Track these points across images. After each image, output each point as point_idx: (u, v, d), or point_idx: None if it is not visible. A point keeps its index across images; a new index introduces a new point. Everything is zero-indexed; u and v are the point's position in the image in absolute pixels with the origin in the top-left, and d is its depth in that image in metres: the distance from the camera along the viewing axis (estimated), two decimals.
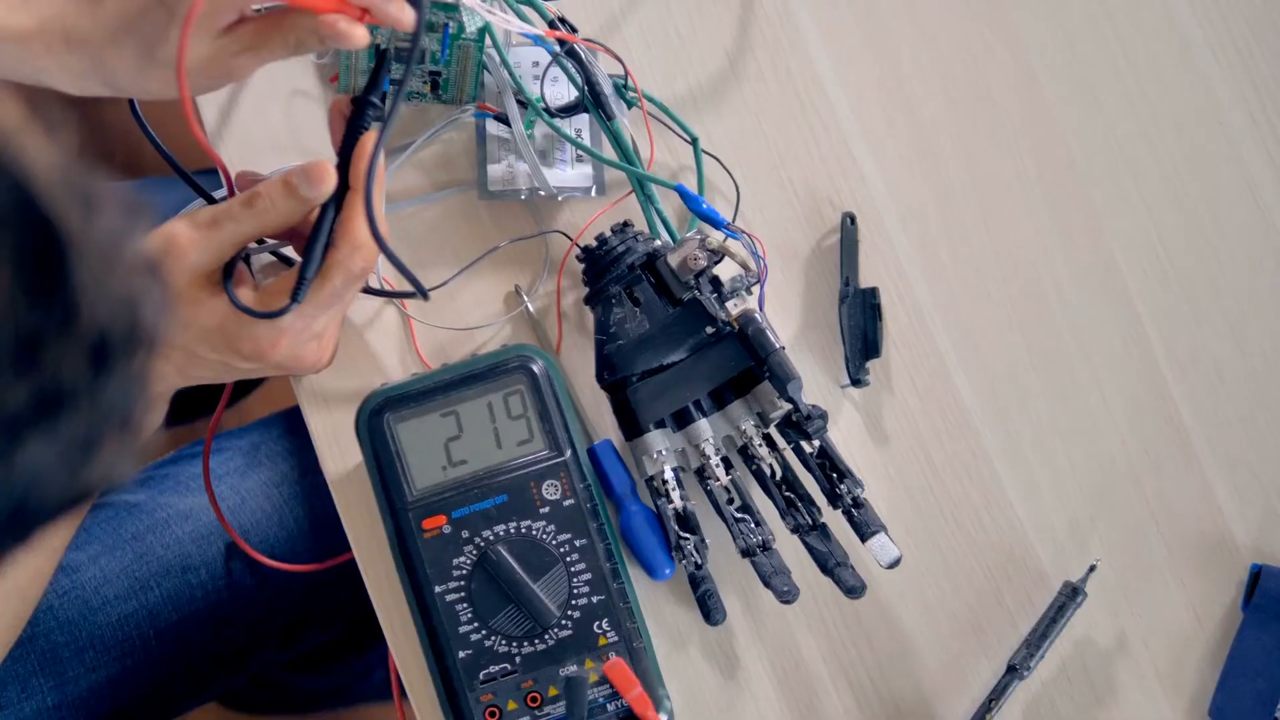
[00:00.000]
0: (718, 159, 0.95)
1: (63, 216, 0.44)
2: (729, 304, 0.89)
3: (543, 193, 0.92)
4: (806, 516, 0.89)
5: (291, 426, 1.18)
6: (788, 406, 0.87)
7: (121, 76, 0.79)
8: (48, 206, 0.43)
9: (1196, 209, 0.97)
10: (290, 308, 0.79)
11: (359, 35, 0.77)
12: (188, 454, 1.17)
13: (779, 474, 0.90)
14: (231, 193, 0.85)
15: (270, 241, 0.88)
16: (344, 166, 0.81)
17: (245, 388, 1.48)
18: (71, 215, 0.44)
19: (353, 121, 0.82)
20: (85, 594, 1.05)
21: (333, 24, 0.77)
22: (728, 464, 0.89)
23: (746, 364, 0.88)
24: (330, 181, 0.79)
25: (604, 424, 0.93)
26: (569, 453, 0.87)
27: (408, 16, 0.78)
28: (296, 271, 0.80)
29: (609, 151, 0.92)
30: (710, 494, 0.89)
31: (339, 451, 0.92)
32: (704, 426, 0.89)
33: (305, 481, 1.13)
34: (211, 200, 0.89)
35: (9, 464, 0.44)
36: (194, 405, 0.93)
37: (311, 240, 0.80)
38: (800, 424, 0.87)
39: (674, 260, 0.87)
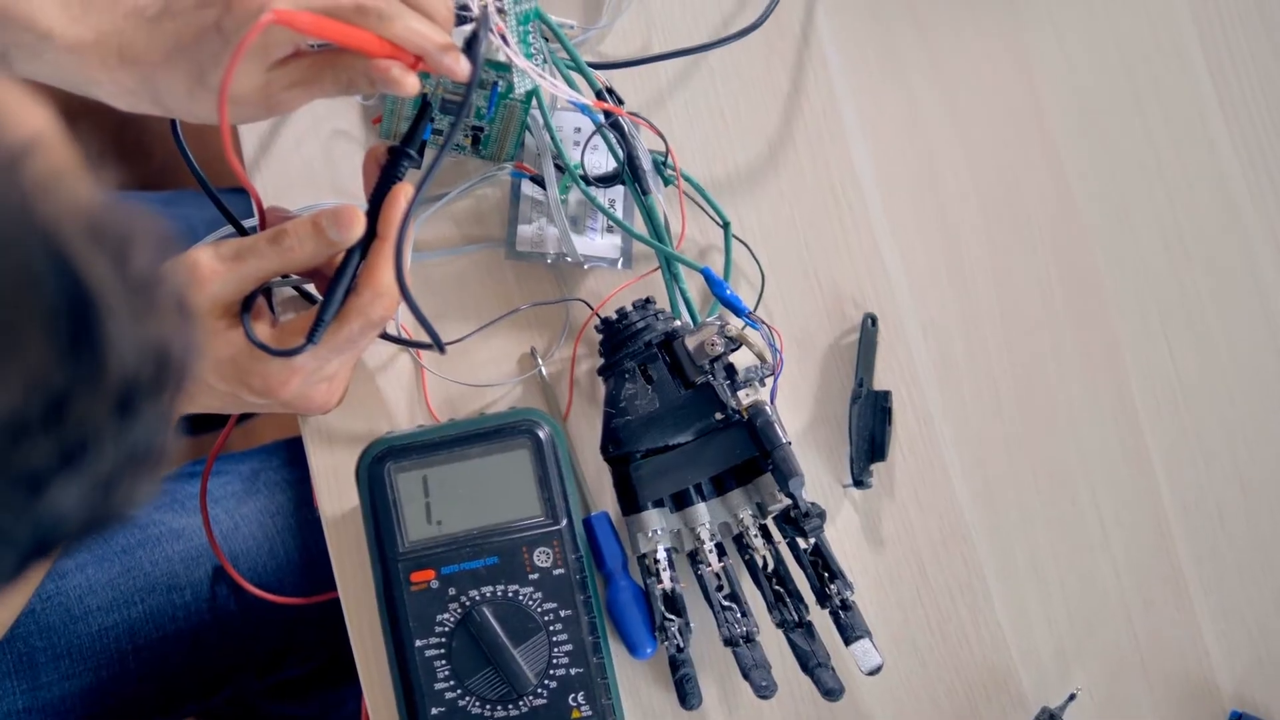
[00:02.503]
0: (747, 245, 0.95)
1: (95, 275, 0.44)
2: (741, 393, 0.89)
3: (570, 259, 0.92)
4: (793, 613, 0.89)
5: (293, 457, 1.18)
6: (787, 501, 0.87)
7: (171, 98, 0.79)
8: (80, 267, 0.43)
9: (1218, 351, 0.97)
10: (304, 348, 0.79)
11: (410, 83, 0.78)
12: (188, 472, 1.17)
13: (771, 566, 0.90)
14: (263, 224, 0.85)
15: (293, 277, 0.88)
16: (373, 214, 0.81)
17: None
18: (104, 271, 0.44)
19: (387, 170, 0.82)
20: (68, 601, 1.05)
21: (386, 69, 0.77)
22: (721, 551, 0.89)
23: (751, 454, 0.88)
24: (359, 227, 0.79)
25: (603, 496, 0.92)
26: (565, 522, 0.87)
27: (462, 69, 0.78)
28: (315, 312, 0.80)
29: (640, 225, 0.92)
30: (700, 579, 0.89)
31: (337, 491, 0.92)
32: (702, 511, 0.89)
33: (300, 515, 1.13)
34: (242, 230, 0.90)
35: (34, 510, 0.45)
36: (203, 419, 0.93)
37: (333, 283, 0.80)
38: (798, 520, 0.87)
39: (691, 343, 0.88)
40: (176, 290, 0.49)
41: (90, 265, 0.44)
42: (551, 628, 0.86)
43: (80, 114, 0.75)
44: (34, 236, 0.42)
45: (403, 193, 0.81)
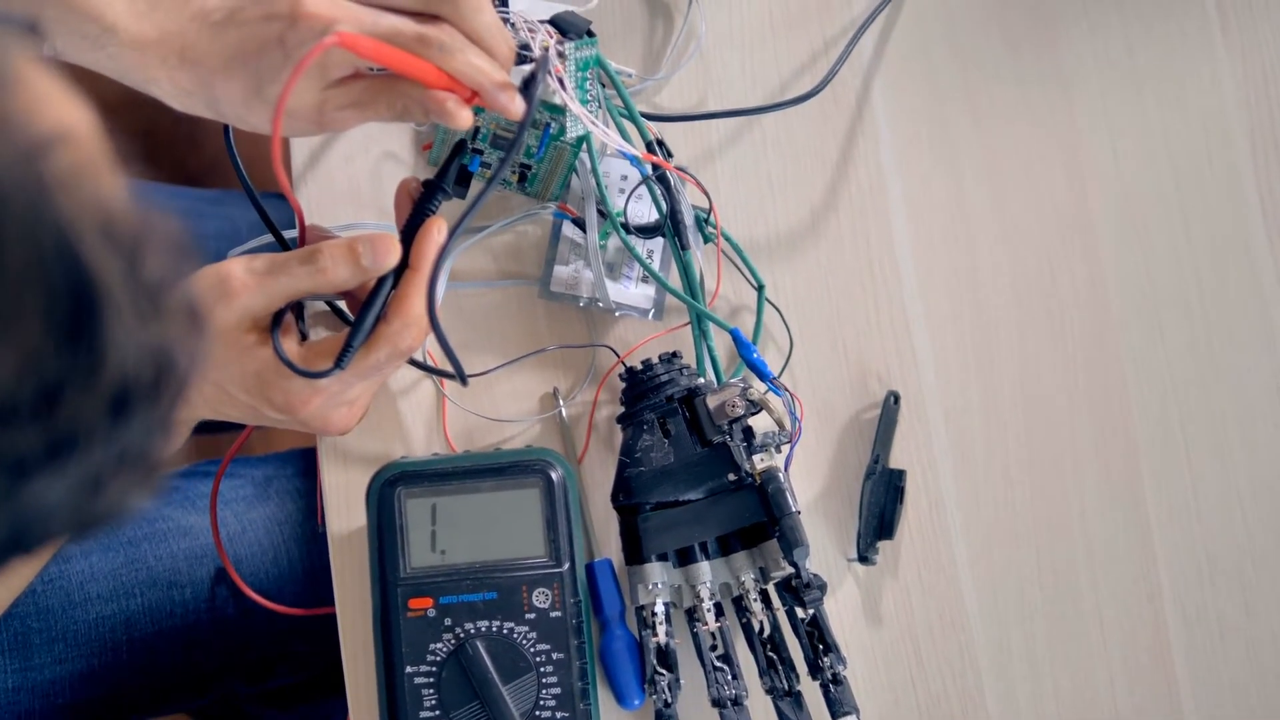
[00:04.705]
0: (779, 310, 0.95)
1: (103, 270, 0.43)
2: (756, 456, 0.89)
3: (602, 305, 0.93)
4: (784, 681, 0.89)
5: (307, 468, 1.18)
6: (790, 569, 0.88)
7: (226, 104, 0.80)
8: (89, 260, 0.43)
9: (1237, 468, 0.97)
10: (332, 372, 0.79)
11: (464, 117, 0.78)
12: (201, 470, 1.17)
13: (767, 632, 0.90)
14: (303, 241, 0.86)
15: None
16: (406, 244, 0.82)
17: None
18: (113, 268, 0.44)
19: (421, 203, 0.83)
20: (69, 586, 1.05)
21: (442, 101, 0.78)
22: (719, 611, 0.89)
23: (759, 519, 0.88)
24: (394, 257, 0.80)
25: (608, 543, 0.93)
26: (567, 565, 0.87)
27: (517, 108, 0.79)
28: (343, 336, 0.80)
29: (675, 279, 0.93)
30: (695, 636, 0.89)
31: (346, 509, 0.92)
32: (704, 569, 0.90)
33: (307, 526, 1.13)
34: (283, 241, 0.90)
35: (14, 499, 0.45)
36: (222, 422, 0.93)
37: (364, 309, 0.81)
38: (799, 590, 0.87)
39: (713, 402, 0.88)
40: (188, 298, 0.49)
41: (100, 260, 0.43)
42: (542, 669, 0.86)
43: (126, 105, 0.76)
44: (46, 226, 0.42)
45: (435, 226, 0.82)
